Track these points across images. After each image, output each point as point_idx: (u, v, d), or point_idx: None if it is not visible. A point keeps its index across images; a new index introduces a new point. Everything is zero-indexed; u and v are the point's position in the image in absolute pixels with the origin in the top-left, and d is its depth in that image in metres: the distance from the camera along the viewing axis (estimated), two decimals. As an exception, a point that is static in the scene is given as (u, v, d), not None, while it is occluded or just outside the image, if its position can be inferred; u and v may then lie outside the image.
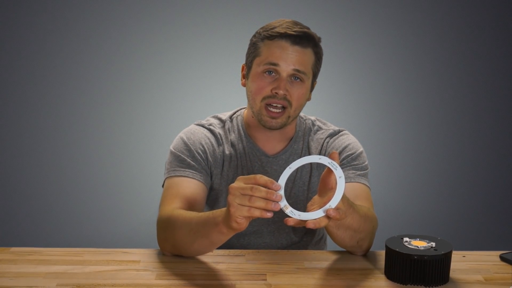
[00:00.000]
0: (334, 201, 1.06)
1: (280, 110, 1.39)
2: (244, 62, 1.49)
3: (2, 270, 1.23)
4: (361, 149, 1.50)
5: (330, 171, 1.12)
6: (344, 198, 1.14)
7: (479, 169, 2.96)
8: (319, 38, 1.43)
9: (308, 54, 1.40)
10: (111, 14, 2.70)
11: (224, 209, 1.14)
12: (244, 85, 1.47)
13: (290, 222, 1.06)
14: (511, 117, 2.93)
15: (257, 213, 1.04)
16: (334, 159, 1.10)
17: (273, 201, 1.04)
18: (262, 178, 1.05)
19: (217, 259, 1.31)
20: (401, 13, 2.80)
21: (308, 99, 1.48)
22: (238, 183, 1.07)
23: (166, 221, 1.30)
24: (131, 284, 1.18)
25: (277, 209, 1.03)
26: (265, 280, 1.21)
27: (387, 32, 2.81)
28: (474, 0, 2.82)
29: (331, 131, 1.52)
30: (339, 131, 1.53)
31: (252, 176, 1.06)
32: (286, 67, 1.37)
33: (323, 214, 1.06)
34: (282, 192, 1.07)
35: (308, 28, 1.41)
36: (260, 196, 1.03)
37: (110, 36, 2.72)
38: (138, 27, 2.72)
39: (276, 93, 1.37)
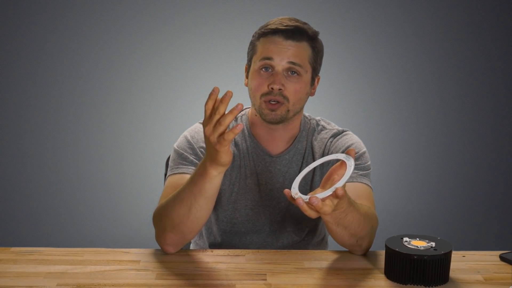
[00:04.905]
0: (341, 182, 1.09)
1: (277, 103, 1.40)
2: (246, 62, 1.50)
3: (3, 270, 1.23)
4: (364, 149, 1.50)
5: (340, 166, 1.15)
6: (345, 196, 1.14)
7: (479, 169, 2.96)
8: (317, 32, 1.44)
9: (303, 48, 1.40)
10: (111, 14, 2.70)
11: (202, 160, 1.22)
12: (246, 84, 1.48)
13: (300, 200, 1.08)
14: (511, 117, 2.93)
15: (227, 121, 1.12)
16: (350, 154, 1.16)
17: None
18: (212, 103, 1.13)
19: (217, 259, 1.31)
20: (401, 13, 2.80)
21: (311, 94, 1.48)
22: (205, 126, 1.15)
23: (159, 210, 1.31)
24: (131, 284, 1.18)
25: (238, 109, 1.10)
26: (265, 280, 1.21)
27: (387, 32, 2.82)
28: (474, 0, 2.82)
29: (334, 131, 1.52)
30: (343, 131, 1.53)
31: (207, 113, 1.15)
32: (280, 61, 1.38)
33: (330, 193, 1.08)
34: (296, 187, 1.13)
35: (305, 23, 1.42)
36: (220, 116, 1.13)
37: (110, 36, 2.72)
38: (138, 27, 2.72)
39: (272, 88, 1.38)
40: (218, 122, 1.12)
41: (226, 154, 1.16)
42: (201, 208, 1.25)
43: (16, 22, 2.67)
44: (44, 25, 2.69)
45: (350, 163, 1.13)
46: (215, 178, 1.21)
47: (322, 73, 1.52)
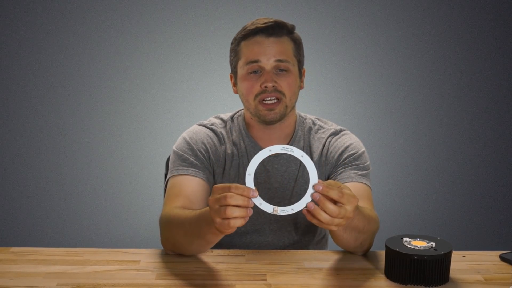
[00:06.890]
0: (312, 179, 1.08)
1: (275, 101, 1.41)
2: (230, 72, 1.51)
3: (3, 270, 1.23)
4: (363, 149, 1.50)
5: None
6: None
7: (479, 169, 2.96)
8: (293, 26, 1.45)
9: (285, 42, 1.42)
10: (111, 14, 2.70)
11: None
12: (236, 92, 1.49)
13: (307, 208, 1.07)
14: (511, 117, 2.93)
15: (233, 222, 1.06)
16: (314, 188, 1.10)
17: (247, 206, 1.05)
18: (237, 188, 1.05)
19: (217, 259, 1.31)
20: (401, 13, 2.80)
21: (301, 87, 1.49)
22: (213, 195, 1.08)
23: (166, 221, 1.33)
24: (131, 284, 1.18)
25: (251, 205, 1.05)
26: (265, 280, 1.21)
27: (387, 32, 2.82)
28: (474, 0, 2.82)
29: (332, 130, 1.53)
30: (341, 130, 1.54)
31: (226, 186, 1.07)
32: (267, 61, 1.40)
33: (309, 199, 1.07)
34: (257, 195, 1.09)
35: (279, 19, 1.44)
36: (235, 204, 1.05)
37: (110, 36, 2.72)
38: (138, 27, 2.72)
39: (265, 87, 1.39)
40: (225, 209, 1.04)
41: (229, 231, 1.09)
42: (201, 246, 1.27)
43: (16, 22, 2.67)
44: (44, 25, 2.68)
45: (299, 154, 1.09)
46: (218, 236, 1.18)
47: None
